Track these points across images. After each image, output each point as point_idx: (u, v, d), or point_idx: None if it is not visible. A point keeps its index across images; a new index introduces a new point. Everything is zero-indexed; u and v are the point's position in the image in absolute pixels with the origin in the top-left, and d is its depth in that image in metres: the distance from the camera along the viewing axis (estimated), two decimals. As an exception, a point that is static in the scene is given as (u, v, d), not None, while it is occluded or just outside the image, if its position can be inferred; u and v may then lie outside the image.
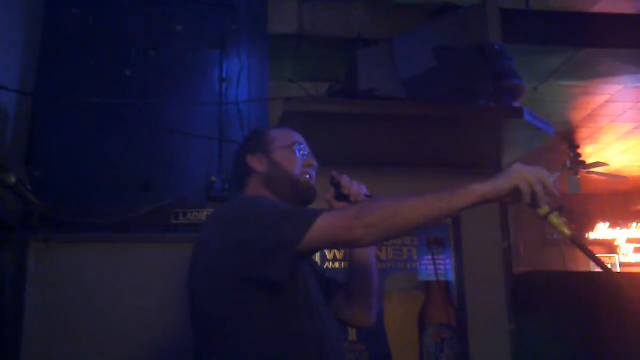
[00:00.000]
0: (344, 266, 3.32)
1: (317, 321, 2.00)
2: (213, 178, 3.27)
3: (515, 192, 1.78)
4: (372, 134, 3.11)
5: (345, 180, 2.27)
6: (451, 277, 3.60)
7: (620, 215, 9.76)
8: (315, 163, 2.29)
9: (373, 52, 3.65)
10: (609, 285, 4.20)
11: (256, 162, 2.24)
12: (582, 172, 8.41)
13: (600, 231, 9.75)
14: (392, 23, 3.89)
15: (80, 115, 3.26)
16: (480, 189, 1.77)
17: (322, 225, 1.82)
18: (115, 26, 3.48)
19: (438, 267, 3.47)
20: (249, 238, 1.85)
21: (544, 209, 1.82)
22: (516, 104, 3.24)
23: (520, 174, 1.77)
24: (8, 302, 2.99)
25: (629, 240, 9.78)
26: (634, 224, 9.80)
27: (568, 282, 4.20)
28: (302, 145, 2.29)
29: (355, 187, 2.25)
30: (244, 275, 1.87)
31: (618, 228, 9.76)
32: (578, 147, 7.90)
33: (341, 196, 2.27)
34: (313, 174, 2.27)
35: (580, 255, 9.67)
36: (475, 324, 3.48)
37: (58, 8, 3.46)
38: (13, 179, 2.75)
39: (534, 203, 1.81)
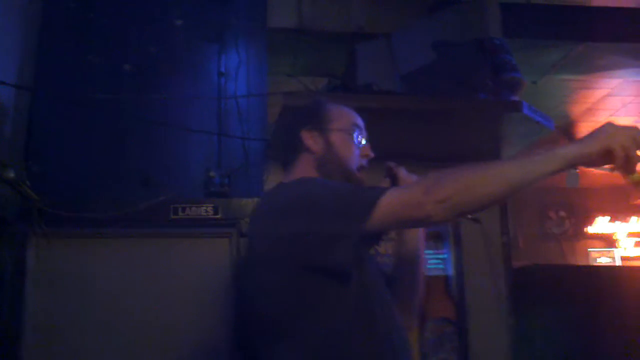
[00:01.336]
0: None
1: (387, 311, 1.87)
2: (212, 173, 3.26)
3: (606, 155, 1.59)
4: (371, 128, 3.10)
5: (402, 172, 2.11)
6: (451, 271, 3.61)
7: (620, 210, 9.75)
8: (371, 154, 2.11)
9: (372, 46, 3.65)
10: (608, 278, 4.21)
11: (311, 140, 2.04)
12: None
13: (600, 225, 9.74)
14: (391, 18, 3.88)
15: (79, 110, 3.25)
16: (565, 153, 1.60)
17: (389, 204, 1.66)
18: (113, 21, 3.47)
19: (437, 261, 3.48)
20: (312, 225, 1.71)
21: (637, 176, 1.61)
22: (515, 98, 3.24)
23: (612, 135, 1.58)
24: (7, 297, 2.99)
25: (630, 235, 9.77)
26: (634, 218, 9.79)
27: (567, 276, 4.20)
28: (361, 130, 2.10)
29: (413, 180, 2.07)
30: (309, 265, 1.73)
31: (618, 222, 9.75)
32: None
33: None
34: (366, 164, 2.10)
35: (579, 249, 9.69)
36: (475, 318, 3.49)
37: (56, 2, 3.45)
38: (12, 175, 2.75)
39: (627, 168, 1.60)
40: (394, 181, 2.10)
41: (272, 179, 3.29)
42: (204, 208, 3.21)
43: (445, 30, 3.45)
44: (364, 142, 2.09)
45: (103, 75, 3.37)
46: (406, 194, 1.69)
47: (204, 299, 3.20)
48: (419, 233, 2.21)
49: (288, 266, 1.76)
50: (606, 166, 1.63)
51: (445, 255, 3.64)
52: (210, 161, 3.33)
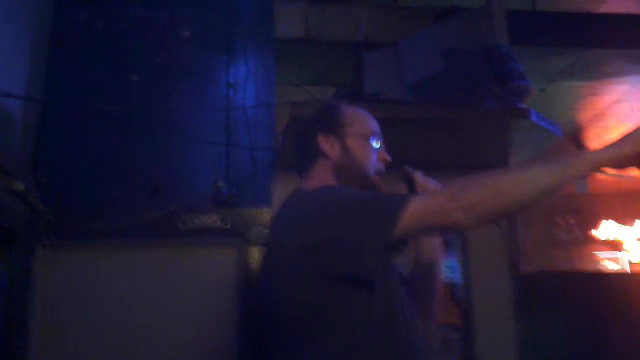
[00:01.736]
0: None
1: (409, 317, 1.84)
2: (220, 183, 3.27)
3: (637, 158, 1.56)
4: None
5: (419, 176, 2.05)
6: (458, 277, 3.60)
7: (627, 215, 9.71)
8: (389, 158, 2.05)
9: (379, 55, 3.65)
10: (616, 285, 4.20)
11: (328, 145, 1.99)
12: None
13: (608, 231, 9.70)
14: (398, 26, 3.88)
15: (87, 121, 3.27)
16: (597, 157, 1.57)
17: (414, 211, 1.61)
18: (122, 32, 3.49)
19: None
20: (336, 234, 1.66)
21: None
22: (523, 105, 3.24)
23: None
24: (15, 308, 2.99)
25: (639, 240, 9.73)
26: (640, 222, 9.76)
27: (575, 283, 4.20)
28: (378, 135, 2.04)
29: (430, 185, 2.03)
30: (334, 273, 1.69)
31: (626, 227, 9.72)
32: (585, 147, 7.85)
33: (414, 194, 1.99)
34: (383, 169, 2.03)
35: (587, 254, 9.66)
36: (482, 324, 3.48)
37: (66, 14, 3.48)
38: (21, 186, 2.76)
39: None
40: (411, 185, 2.06)
41: (280, 188, 3.30)
42: (212, 218, 3.21)
43: (452, 38, 3.44)
44: (381, 145, 2.04)
45: (112, 86, 3.39)
46: (432, 200, 1.66)
47: (212, 308, 3.20)
48: (436, 239, 2.19)
49: (312, 274, 1.72)
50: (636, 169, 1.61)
51: (452, 262, 3.64)
52: (218, 171, 3.34)
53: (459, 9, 3.70)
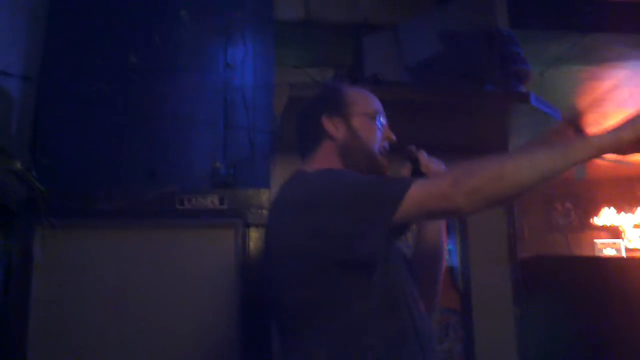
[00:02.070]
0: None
1: (410, 299, 1.83)
2: (218, 164, 3.27)
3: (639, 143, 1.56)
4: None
5: (423, 156, 2.04)
6: (457, 262, 3.61)
7: (626, 201, 9.72)
8: (393, 136, 2.04)
9: (379, 38, 3.63)
10: (614, 270, 4.21)
11: (332, 126, 1.98)
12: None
13: (606, 217, 9.72)
14: (398, 8, 3.86)
15: (85, 102, 3.26)
16: (599, 142, 1.57)
17: (417, 195, 1.61)
18: (119, 13, 3.47)
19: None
20: (337, 217, 1.67)
21: None
22: (523, 89, 3.24)
23: None
24: (14, 288, 3.00)
25: (636, 226, 9.75)
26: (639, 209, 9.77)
27: (573, 267, 4.22)
28: (382, 114, 2.04)
29: (434, 165, 2.02)
30: (335, 256, 1.68)
31: (623, 213, 9.72)
32: (584, 132, 7.85)
33: (418, 173, 2.02)
34: (388, 147, 2.02)
35: (585, 240, 9.67)
36: (481, 309, 3.49)
37: (62, -6, 3.46)
38: (18, 166, 2.75)
39: None
40: (415, 164, 2.05)
41: (279, 170, 3.30)
42: (210, 199, 3.22)
43: (452, 21, 3.42)
44: (384, 124, 2.04)
45: (109, 67, 3.37)
46: (435, 185, 1.65)
47: (209, 288, 3.21)
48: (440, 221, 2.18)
49: (311, 258, 1.71)
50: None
51: (450, 246, 3.64)
52: (216, 152, 3.33)
53: (460, -8, 3.68)
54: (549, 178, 1.57)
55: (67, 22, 3.43)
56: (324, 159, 1.97)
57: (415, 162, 2.05)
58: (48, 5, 3.42)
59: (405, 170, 2.06)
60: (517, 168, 1.57)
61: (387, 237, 1.68)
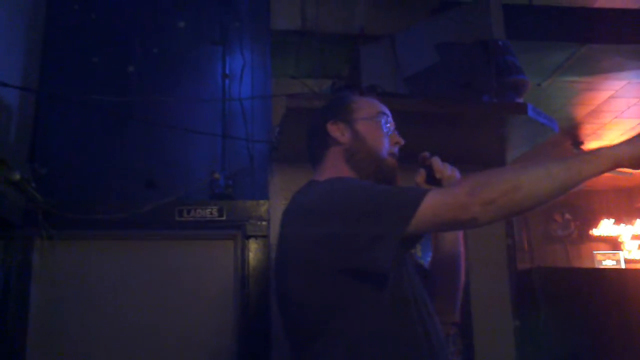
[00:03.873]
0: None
1: (424, 314, 1.80)
2: (217, 175, 3.27)
3: None
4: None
5: (437, 162, 2.01)
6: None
7: (624, 212, 9.73)
8: (401, 140, 2.03)
9: (376, 48, 3.64)
10: (613, 281, 4.22)
11: (338, 132, 1.98)
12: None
13: (605, 228, 9.73)
14: (394, 19, 3.87)
15: (83, 112, 3.27)
16: (614, 154, 1.56)
17: (431, 205, 1.59)
18: (117, 23, 3.49)
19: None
20: (350, 226, 1.64)
21: None
22: (520, 100, 3.24)
23: None
24: (13, 299, 3.00)
25: (635, 237, 9.76)
26: (639, 220, 9.78)
27: (572, 279, 4.22)
28: (388, 118, 2.03)
29: (449, 171, 1.99)
30: (348, 267, 1.67)
31: (622, 224, 9.74)
32: (582, 143, 7.88)
33: (432, 180, 2.00)
34: (397, 152, 2.01)
35: (584, 251, 9.68)
36: (480, 320, 3.48)
37: (60, 5, 3.47)
38: (17, 176, 2.76)
39: None
40: (429, 171, 2.03)
41: (277, 181, 3.31)
42: (209, 210, 3.22)
43: (448, 32, 3.43)
44: (391, 128, 2.03)
45: (107, 77, 3.39)
46: (450, 195, 1.63)
47: (208, 300, 3.21)
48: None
49: (323, 268, 1.70)
50: None
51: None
52: (214, 163, 3.34)
53: (456, 2, 3.70)
54: (565, 190, 1.57)
55: (65, 33, 3.44)
56: (333, 166, 1.97)
57: (429, 169, 2.03)
58: (46, 16, 3.44)
59: (420, 177, 2.04)
60: (533, 179, 1.57)
61: (401, 248, 1.66)
